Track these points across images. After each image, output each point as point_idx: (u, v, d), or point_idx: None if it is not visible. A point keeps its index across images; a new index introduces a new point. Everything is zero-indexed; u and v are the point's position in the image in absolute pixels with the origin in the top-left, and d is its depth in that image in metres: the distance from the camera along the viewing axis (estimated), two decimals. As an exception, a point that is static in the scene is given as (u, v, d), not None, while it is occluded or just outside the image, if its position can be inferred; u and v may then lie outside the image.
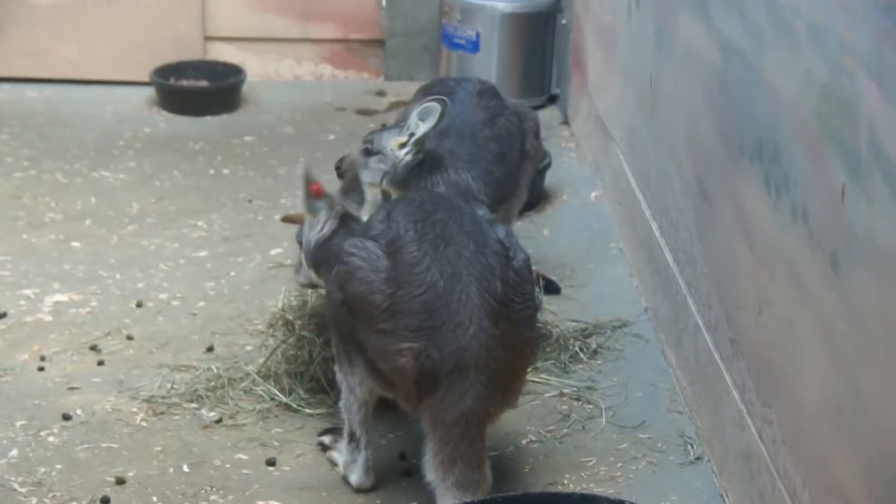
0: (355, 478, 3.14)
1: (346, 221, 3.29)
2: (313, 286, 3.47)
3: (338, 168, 3.75)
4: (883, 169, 2.17)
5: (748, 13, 2.94)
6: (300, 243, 3.42)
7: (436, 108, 3.57)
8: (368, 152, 3.67)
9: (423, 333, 2.88)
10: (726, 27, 3.12)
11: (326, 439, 3.29)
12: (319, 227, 3.30)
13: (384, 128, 3.80)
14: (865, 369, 2.25)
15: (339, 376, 3.11)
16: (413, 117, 3.61)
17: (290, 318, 3.63)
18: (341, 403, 3.13)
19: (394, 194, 3.71)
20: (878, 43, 2.20)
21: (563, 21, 5.53)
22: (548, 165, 4.63)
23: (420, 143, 3.63)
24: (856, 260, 2.29)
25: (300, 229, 3.42)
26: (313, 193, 3.29)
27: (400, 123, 3.71)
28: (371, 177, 3.63)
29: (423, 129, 3.60)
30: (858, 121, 2.27)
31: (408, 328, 2.89)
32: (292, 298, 3.74)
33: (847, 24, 2.34)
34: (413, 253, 2.93)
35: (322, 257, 3.27)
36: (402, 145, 3.64)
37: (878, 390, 2.20)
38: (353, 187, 3.38)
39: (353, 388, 3.07)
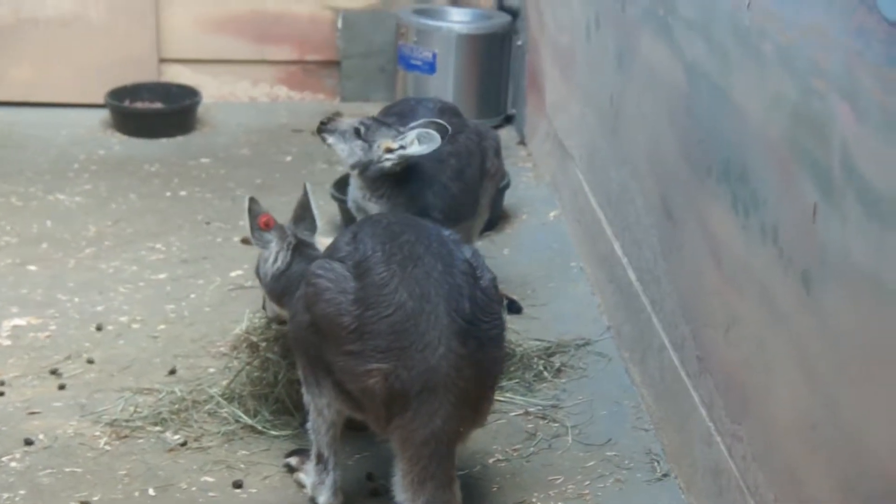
0: (323, 499, 3.12)
1: (300, 249, 3.29)
2: (281, 322, 3.45)
3: (323, 123, 3.74)
4: (856, 188, 2.18)
5: (713, 35, 2.96)
6: (256, 276, 3.42)
7: (436, 138, 3.57)
8: (358, 134, 3.67)
9: (391, 354, 2.87)
10: (691, 49, 3.13)
11: (293, 461, 3.26)
12: (273, 258, 3.30)
13: (381, 121, 3.76)
14: (841, 387, 2.26)
15: (306, 398, 3.10)
16: (412, 135, 3.61)
17: (255, 339, 3.61)
18: (309, 425, 3.11)
19: (355, 183, 3.76)
20: (850, 64, 2.21)
21: (519, 42, 5.55)
22: (507, 185, 4.64)
23: (405, 159, 3.63)
24: (829, 278, 2.30)
25: (257, 263, 3.42)
26: (262, 226, 3.29)
27: (397, 127, 3.70)
28: (346, 155, 3.69)
29: (415, 150, 3.61)
30: (830, 141, 2.28)
31: (376, 349, 2.88)
32: (256, 320, 3.71)
33: (817, 46, 2.36)
34: (381, 274, 2.92)
35: (282, 287, 3.28)
36: (390, 150, 3.64)
37: (855, 408, 2.21)
38: (303, 215, 3.39)
39: (321, 409, 3.05)
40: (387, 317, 2.88)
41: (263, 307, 3.52)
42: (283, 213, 3.41)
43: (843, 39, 2.24)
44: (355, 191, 3.82)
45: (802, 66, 2.43)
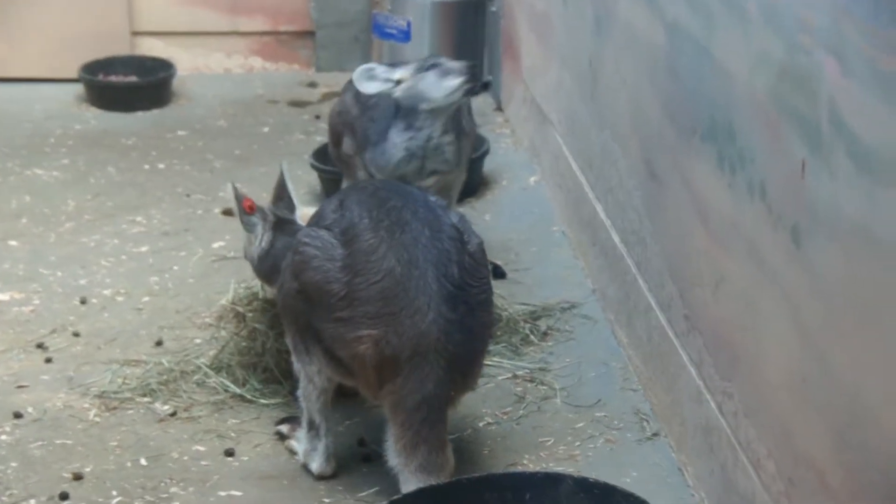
0: (316, 465, 3.13)
1: (281, 226, 3.31)
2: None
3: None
4: (845, 143, 2.20)
5: (695, -5, 2.98)
6: (247, 258, 3.44)
7: (455, 74, 3.70)
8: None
9: (381, 320, 2.89)
10: (672, 9, 3.14)
11: (284, 428, 3.27)
12: (259, 240, 3.31)
13: (426, 69, 3.80)
14: (832, 341, 2.28)
15: (296, 366, 3.11)
16: (431, 75, 3.73)
17: (241, 310, 3.60)
18: (299, 392, 3.12)
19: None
20: (837, 20, 2.22)
21: (493, 9, 5.54)
22: (486, 152, 4.64)
23: (406, 87, 3.73)
24: (819, 233, 2.32)
25: (244, 248, 3.45)
26: (247, 210, 3.30)
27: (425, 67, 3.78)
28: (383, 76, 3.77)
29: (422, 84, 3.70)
30: (818, 97, 2.30)
31: (366, 315, 2.90)
32: (241, 290, 3.71)
33: (803, 3, 2.37)
34: (369, 240, 2.93)
35: (269, 266, 3.30)
36: (399, 82, 3.74)
37: (846, 360, 2.24)
38: (281, 195, 3.41)
39: (312, 376, 3.06)
40: (376, 283, 2.90)
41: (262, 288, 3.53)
42: (263, 183, 3.42)
43: (830, -5, 2.26)
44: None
45: (788, 23, 2.44)
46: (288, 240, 3.20)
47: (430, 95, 3.74)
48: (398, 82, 3.77)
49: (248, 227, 3.35)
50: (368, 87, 3.77)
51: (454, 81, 3.72)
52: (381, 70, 3.79)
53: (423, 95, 3.75)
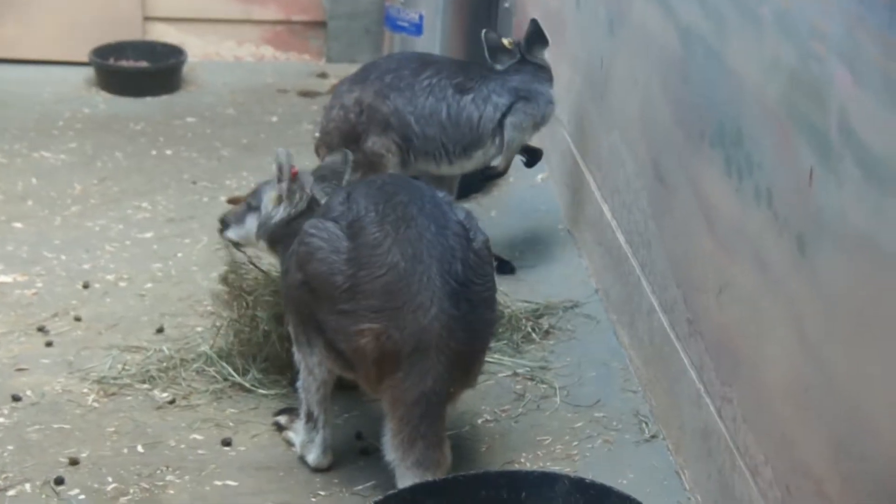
0: (313, 457, 3.13)
1: (311, 206, 3.29)
2: (240, 245, 3.45)
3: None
4: (854, 152, 2.19)
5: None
6: (250, 204, 3.38)
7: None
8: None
9: (384, 314, 2.88)
10: (685, 13, 3.13)
11: (282, 419, 3.27)
12: (289, 207, 3.27)
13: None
14: (834, 350, 2.28)
15: (297, 357, 3.10)
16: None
17: (243, 293, 3.59)
18: (299, 384, 3.12)
19: None
20: (851, 28, 2.22)
21: (506, 5, 5.53)
22: (495, 148, 4.64)
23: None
24: (824, 242, 2.31)
25: (256, 188, 3.41)
26: (293, 176, 3.27)
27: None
28: None
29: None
30: (828, 105, 2.29)
31: (369, 309, 2.89)
32: (243, 271, 3.70)
33: (817, 10, 2.36)
34: (374, 234, 2.93)
35: (282, 234, 3.26)
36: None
37: (848, 370, 2.23)
38: (328, 176, 3.37)
39: (312, 368, 3.06)
40: (379, 277, 2.89)
41: (222, 223, 3.47)
42: (268, 172, 3.41)
43: (845, 3, 2.25)
44: None
45: (802, 30, 2.43)
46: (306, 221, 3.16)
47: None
48: None
49: (290, 194, 3.28)
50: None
51: None
52: None
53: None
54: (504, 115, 3.98)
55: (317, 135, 4.19)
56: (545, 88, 4.05)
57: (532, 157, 4.20)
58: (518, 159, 4.16)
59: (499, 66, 4.06)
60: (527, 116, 4.00)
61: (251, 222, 3.37)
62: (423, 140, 3.97)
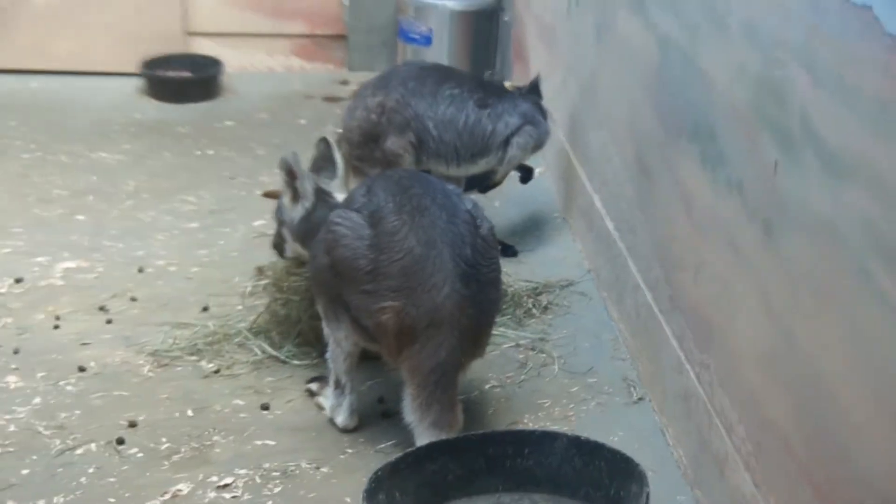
0: (341, 419, 3.14)
1: (321, 196, 3.27)
2: (299, 261, 3.44)
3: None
4: (813, 145, 2.19)
5: (683, 11, 2.96)
6: (279, 221, 3.39)
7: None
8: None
9: (402, 293, 2.89)
10: (663, 24, 3.13)
11: (314, 386, 3.28)
12: (306, 200, 3.27)
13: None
14: (797, 321, 2.28)
15: (326, 331, 3.11)
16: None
17: (278, 280, 3.60)
18: (328, 355, 3.13)
19: None
20: (809, 36, 2.22)
21: (506, 18, 5.53)
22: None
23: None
24: (788, 226, 2.32)
25: (278, 207, 3.40)
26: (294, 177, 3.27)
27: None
28: None
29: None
30: (790, 105, 2.29)
31: (389, 289, 2.90)
32: (280, 264, 3.71)
33: (779, 21, 2.36)
34: (393, 223, 2.93)
35: (305, 230, 3.25)
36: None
37: (809, 339, 2.24)
38: (323, 165, 3.36)
39: (340, 341, 3.07)
40: (398, 260, 2.90)
41: (276, 248, 3.46)
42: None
43: (802, 13, 2.25)
44: None
45: (765, 39, 2.43)
46: (325, 211, 3.14)
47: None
48: None
49: (305, 194, 3.28)
50: None
51: None
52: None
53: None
54: (512, 134, 3.99)
55: (339, 131, 4.19)
56: (544, 120, 4.07)
57: (526, 174, 4.22)
58: (513, 174, 4.18)
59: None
60: (530, 139, 4.01)
61: (287, 235, 3.37)
62: (438, 143, 3.97)
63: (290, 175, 3.26)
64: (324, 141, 3.41)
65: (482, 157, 4.02)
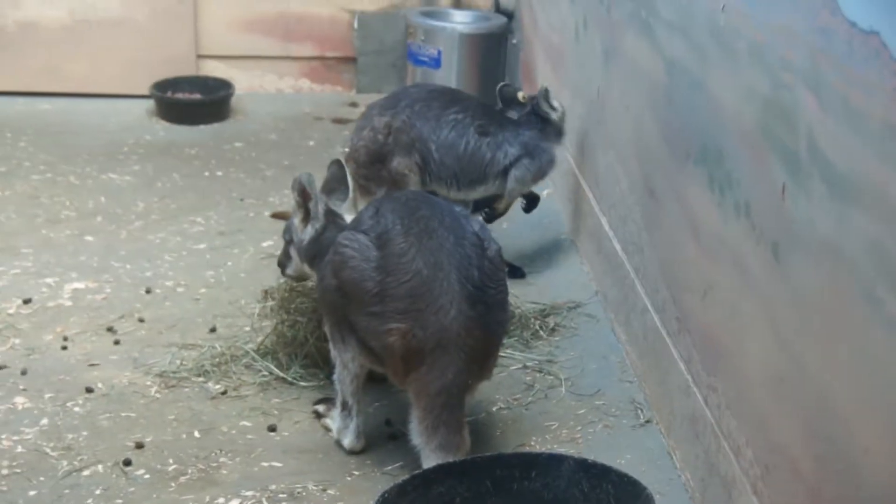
0: (348, 441, 3.13)
1: (331, 218, 3.27)
2: (300, 279, 3.44)
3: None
4: (821, 169, 2.19)
5: (691, 35, 2.96)
6: (287, 240, 3.39)
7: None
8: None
9: (409, 315, 2.87)
10: (671, 47, 3.13)
11: (321, 408, 3.27)
12: (313, 227, 3.26)
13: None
14: (806, 344, 2.27)
15: (333, 353, 3.10)
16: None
17: (285, 302, 3.60)
18: (335, 377, 3.12)
19: None
20: (815, 59, 2.21)
21: (514, 41, 5.54)
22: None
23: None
24: (796, 249, 2.30)
25: (287, 226, 3.39)
26: (308, 197, 3.26)
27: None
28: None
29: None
30: (798, 128, 2.28)
31: (396, 311, 2.89)
32: (286, 285, 3.71)
33: (786, 44, 2.36)
34: (401, 245, 2.92)
35: (314, 251, 3.25)
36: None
37: (817, 362, 2.22)
38: (335, 186, 3.36)
39: (347, 363, 3.06)
40: (405, 282, 2.89)
41: (280, 266, 3.45)
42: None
43: (809, 37, 2.24)
44: None
45: (772, 62, 2.43)
46: (335, 233, 3.13)
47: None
48: None
49: (315, 216, 3.26)
50: None
51: None
52: None
53: None
54: (511, 164, 3.99)
55: (346, 150, 4.19)
56: (549, 145, 4.04)
57: (531, 202, 4.20)
58: (518, 201, 4.18)
59: (512, 114, 4.07)
60: (528, 172, 4.02)
61: (294, 255, 3.36)
62: (439, 166, 3.97)
63: (303, 196, 3.25)
64: (336, 163, 3.41)
65: (480, 185, 4.02)
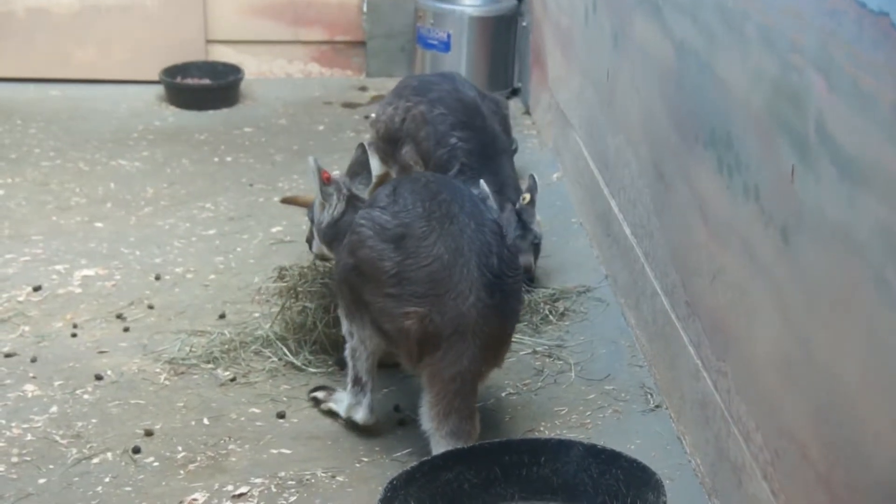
0: (361, 416, 3.10)
1: (352, 202, 3.25)
2: (324, 258, 3.46)
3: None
4: (830, 151, 2.17)
5: (700, 17, 2.94)
6: (311, 220, 3.39)
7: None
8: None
9: (428, 300, 2.86)
10: (680, 29, 3.11)
11: (320, 394, 3.25)
12: (332, 209, 3.26)
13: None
14: (814, 328, 2.25)
15: (349, 329, 3.06)
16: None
17: (296, 287, 3.60)
18: (347, 353, 3.08)
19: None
20: (824, 42, 2.19)
21: (524, 23, 5.51)
22: (515, 150, 4.60)
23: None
24: (805, 232, 2.29)
25: (311, 208, 3.40)
26: (325, 181, 3.26)
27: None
28: None
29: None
30: (807, 111, 2.27)
31: (414, 294, 2.87)
32: (295, 270, 3.71)
33: (795, 26, 2.34)
34: (422, 228, 2.90)
35: (333, 234, 3.24)
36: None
37: (827, 345, 2.21)
38: (359, 171, 3.35)
39: (364, 339, 3.03)
40: (425, 266, 2.87)
41: (308, 242, 3.51)
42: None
43: (818, 20, 2.22)
44: None
45: (781, 44, 2.41)
46: (352, 217, 3.12)
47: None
48: None
49: (325, 197, 3.25)
50: None
51: None
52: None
53: None
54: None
55: (373, 116, 4.18)
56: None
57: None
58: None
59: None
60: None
61: (316, 235, 3.38)
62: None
63: (321, 179, 3.25)
64: (361, 147, 3.40)
65: None
